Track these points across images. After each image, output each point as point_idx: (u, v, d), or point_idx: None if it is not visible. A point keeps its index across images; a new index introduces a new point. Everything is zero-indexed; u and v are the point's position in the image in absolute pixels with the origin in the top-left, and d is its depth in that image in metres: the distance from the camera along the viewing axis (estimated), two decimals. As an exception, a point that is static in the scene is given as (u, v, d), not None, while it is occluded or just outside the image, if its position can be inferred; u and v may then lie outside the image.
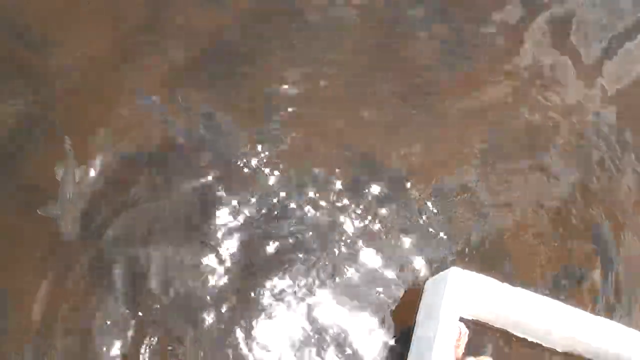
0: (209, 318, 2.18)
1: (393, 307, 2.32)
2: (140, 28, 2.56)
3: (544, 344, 2.22)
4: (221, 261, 2.27)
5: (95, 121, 2.38)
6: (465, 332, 2.17)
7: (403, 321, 2.29)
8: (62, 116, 2.37)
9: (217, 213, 2.33)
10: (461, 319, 2.19)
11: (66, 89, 2.41)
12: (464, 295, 2.09)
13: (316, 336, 2.23)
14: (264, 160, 2.44)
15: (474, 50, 2.82)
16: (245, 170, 2.41)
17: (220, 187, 2.36)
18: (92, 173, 2.31)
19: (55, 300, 2.12)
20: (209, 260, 2.27)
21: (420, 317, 2.24)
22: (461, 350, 2.15)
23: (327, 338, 2.23)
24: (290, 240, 2.34)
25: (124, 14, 2.57)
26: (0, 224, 2.20)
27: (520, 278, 2.34)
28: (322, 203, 2.42)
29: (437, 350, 1.99)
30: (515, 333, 2.23)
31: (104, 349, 2.09)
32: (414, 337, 2.22)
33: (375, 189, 2.48)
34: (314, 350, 2.21)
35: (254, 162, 2.42)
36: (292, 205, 2.40)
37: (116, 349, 2.10)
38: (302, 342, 2.22)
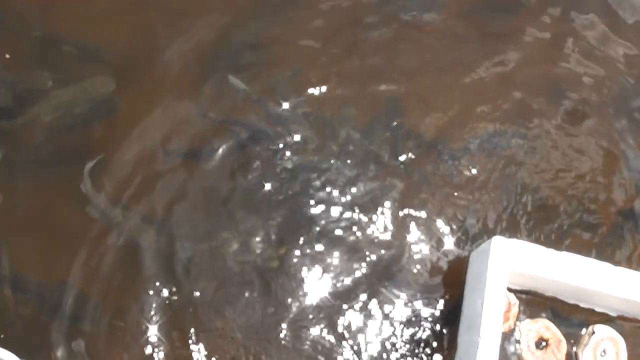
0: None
1: (441, 281, 2.29)
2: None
3: (596, 309, 2.17)
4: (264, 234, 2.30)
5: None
6: (514, 302, 2.13)
7: (451, 295, 2.26)
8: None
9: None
10: (510, 290, 2.14)
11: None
12: (509, 265, 2.05)
13: (362, 310, 2.23)
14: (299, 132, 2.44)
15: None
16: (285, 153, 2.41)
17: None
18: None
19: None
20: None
21: (467, 290, 2.21)
22: (512, 321, 2.12)
23: (374, 312, 2.23)
24: (330, 216, 2.34)
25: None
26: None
27: (568, 237, 2.31)
28: (360, 177, 2.41)
29: (486, 322, 1.96)
30: (566, 300, 2.17)
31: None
32: (462, 310, 2.19)
33: (408, 158, 2.45)
34: (361, 324, 2.21)
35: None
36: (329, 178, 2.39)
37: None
38: (347, 317, 2.22)
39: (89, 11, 2.49)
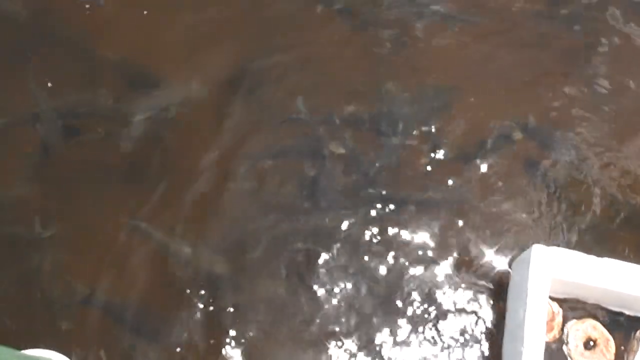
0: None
1: (483, 290, 2.28)
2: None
3: (642, 316, 2.14)
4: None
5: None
6: (558, 311, 2.11)
7: (495, 305, 2.25)
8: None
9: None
10: (552, 299, 2.12)
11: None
12: (551, 274, 2.03)
13: (404, 319, 2.24)
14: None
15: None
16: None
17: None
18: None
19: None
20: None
21: (509, 299, 2.20)
22: (557, 330, 2.10)
23: (417, 322, 2.23)
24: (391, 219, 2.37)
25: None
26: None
27: (614, 243, 2.30)
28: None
29: (529, 332, 1.95)
30: (610, 308, 2.15)
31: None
32: (506, 320, 2.18)
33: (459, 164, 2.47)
34: (404, 333, 2.22)
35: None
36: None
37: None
38: (389, 326, 2.23)
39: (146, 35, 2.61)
